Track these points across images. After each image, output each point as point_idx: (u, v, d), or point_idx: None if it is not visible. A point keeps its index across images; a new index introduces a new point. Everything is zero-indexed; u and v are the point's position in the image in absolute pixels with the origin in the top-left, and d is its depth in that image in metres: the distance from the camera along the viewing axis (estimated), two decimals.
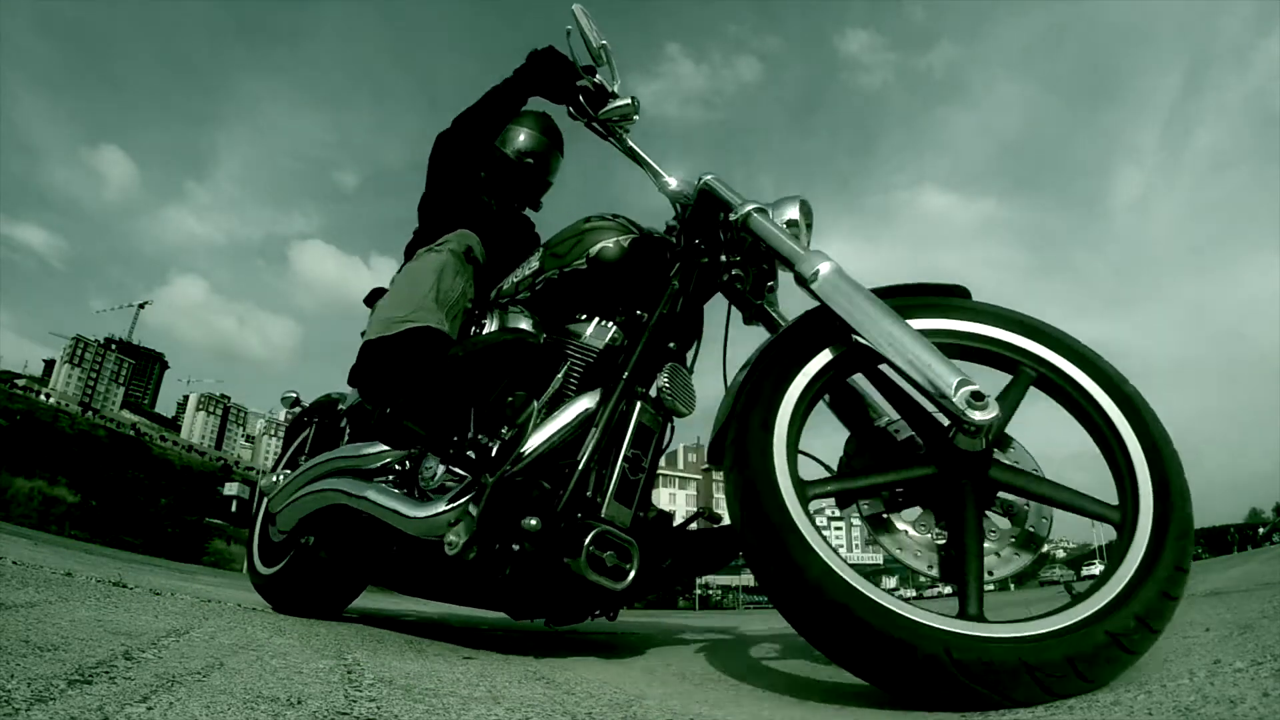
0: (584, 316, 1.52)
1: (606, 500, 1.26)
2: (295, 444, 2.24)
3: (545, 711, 0.82)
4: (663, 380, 1.36)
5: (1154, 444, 0.93)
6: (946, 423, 0.97)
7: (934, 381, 0.94)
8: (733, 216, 1.28)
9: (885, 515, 1.06)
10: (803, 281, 1.10)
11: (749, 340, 1.52)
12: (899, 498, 1.07)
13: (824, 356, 1.06)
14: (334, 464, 1.69)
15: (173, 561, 10.49)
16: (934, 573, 1.00)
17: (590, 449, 1.27)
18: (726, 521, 1.47)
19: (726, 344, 1.44)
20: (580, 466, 1.26)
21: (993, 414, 0.91)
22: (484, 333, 1.58)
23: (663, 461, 1.50)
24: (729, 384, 1.16)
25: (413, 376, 1.44)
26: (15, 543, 3.82)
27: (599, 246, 1.49)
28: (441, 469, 1.42)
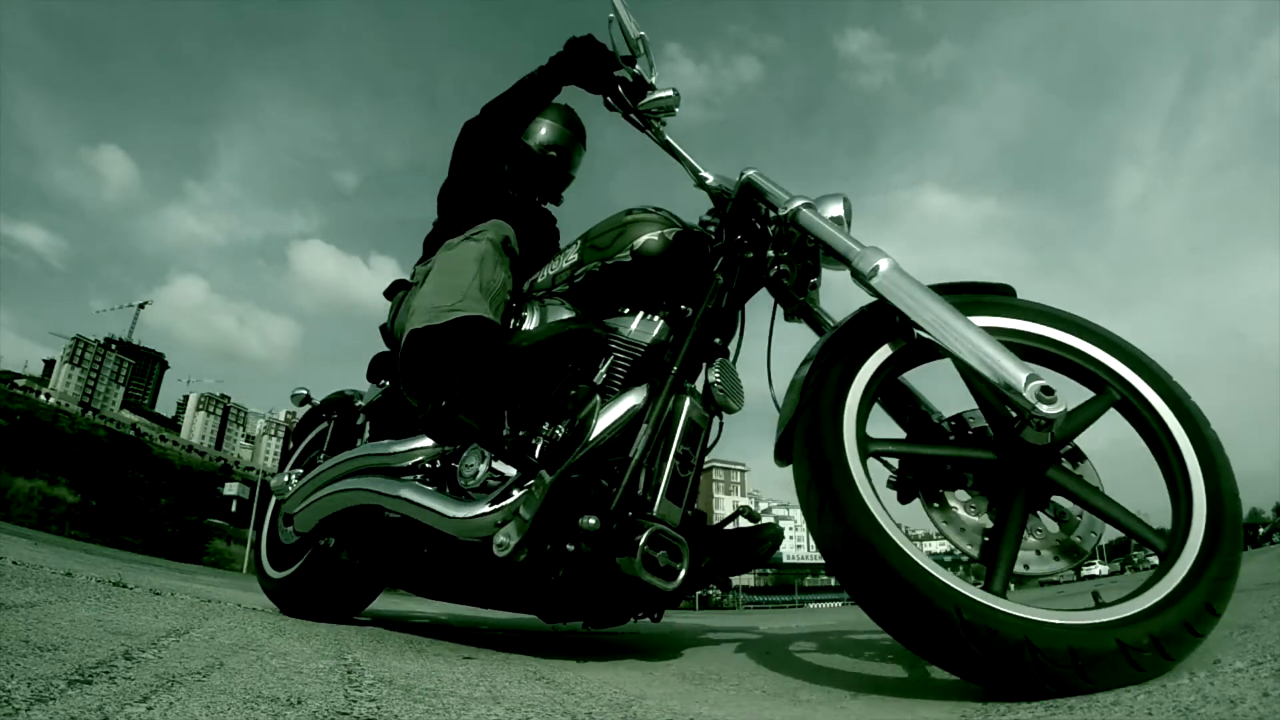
0: (627, 310, 1.49)
1: (658, 498, 1.24)
2: (306, 442, 2.18)
3: (545, 711, 0.82)
4: (714, 375, 1.35)
5: (1218, 490, 0.93)
6: (1011, 416, 0.98)
7: (1003, 376, 0.94)
8: (781, 212, 1.27)
9: (941, 491, 1.08)
10: (860, 277, 1.10)
11: (782, 339, 1.49)
12: (953, 478, 1.08)
13: (884, 352, 1.07)
14: (359, 462, 1.64)
15: (173, 561, 10.49)
16: (974, 551, 1.02)
17: (642, 445, 1.25)
18: (765, 520, 1.45)
19: (771, 340, 1.44)
20: (633, 464, 1.23)
21: (1061, 408, 0.92)
22: (537, 324, 1.52)
23: None
24: (792, 379, 1.13)
25: (470, 368, 1.37)
26: (15, 543, 3.82)
27: (643, 239, 1.46)
28: (484, 467, 1.36)
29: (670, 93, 1.53)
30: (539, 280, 1.63)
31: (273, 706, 0.70)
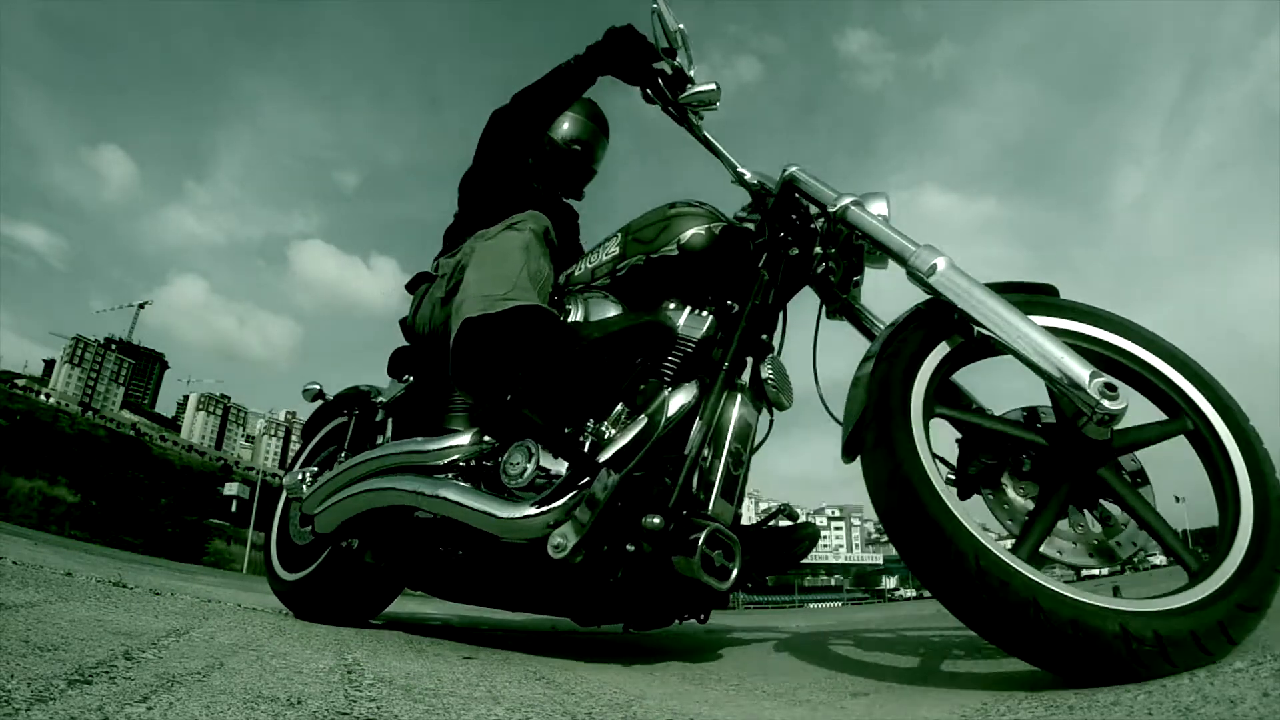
0: (674, 305, 1.45)
1: (713, 497, 1.24)
2: (319, 438, 2.10)
3: (545, 711, 0.82)
4: (767, 371, 1.34)
5: (1265, 499, 0.95)
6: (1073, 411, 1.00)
7: (1067, 373, 0.96)
8: (831, 209, 1.27)
9: (997, 478, 1.10)
10: (917, 275, 1.11)
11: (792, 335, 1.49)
12: (1009, 468, 1.11)
13: (942, 349, 1.09)
14: (388, 460, 1.57)
15: (173, 561, 10.49)
16: (1015, 529, 1.04)
17: (697, 442, 1.23)
18: (803, 519, 1.45)
19: (817, 338, 1.43)
20: (688, 461, 1.22)
21: (1123, 405, 0.94)
22: (583, 317, 1.48)
23: None
24: (855, 375, 1.13)
25: (539, 359, 1.30)
26: (15, 543, 3.82)
27: (690, 233, 1.44)
28: (531, 465, 1.31)
29: (712, 86, 1.51)
30: (576, 273, 1.60)
31: (273, 706, 0.70)
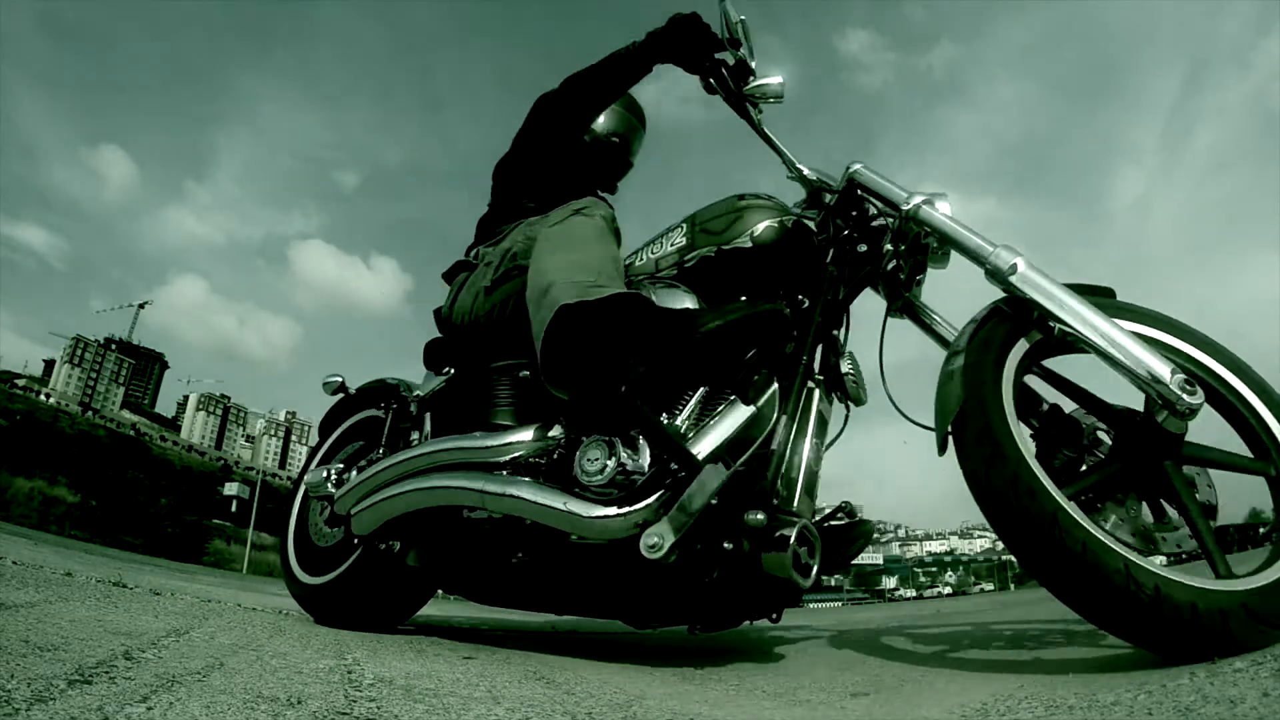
0: (744, 298, 1.43)
1: (798, 493, 1.23)
2: (339, 434, 2.00)
3: (545, 711, 0.82)
4: (847, 366, 1.34)
5: None
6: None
7: (1148, 369, 0.99)
8: (904, 207, 1.28)
9: (1078, 465, 1.13)
10: (997, 274, 1.13)
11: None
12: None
13: (1022, 346, 1.12)
14: (441, 457, 1.48)
15: (173, 561, 10.50)
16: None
17: (784, 438, 1.23)
18: (861, 515, 1.44)
19: (884, 335, 1.44)
20: (775, 457, 1.21)
21: (1201, 399, 0.98)
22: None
23: None
24: (945, 370, 1.14)
25: (656, 349, 1.21)
26: (15, 543, 3.82)
27: (763, 226, 1.42)
28: (611, 461, 1.22)
29: (779, 80, 1.50)
30: (637, 264, 1.57)
31: (273, 706, 0.70)
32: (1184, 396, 0.97)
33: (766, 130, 1.58)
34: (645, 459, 1.21)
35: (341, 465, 1.82)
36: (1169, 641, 0.86)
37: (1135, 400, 1.08)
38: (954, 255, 1.32)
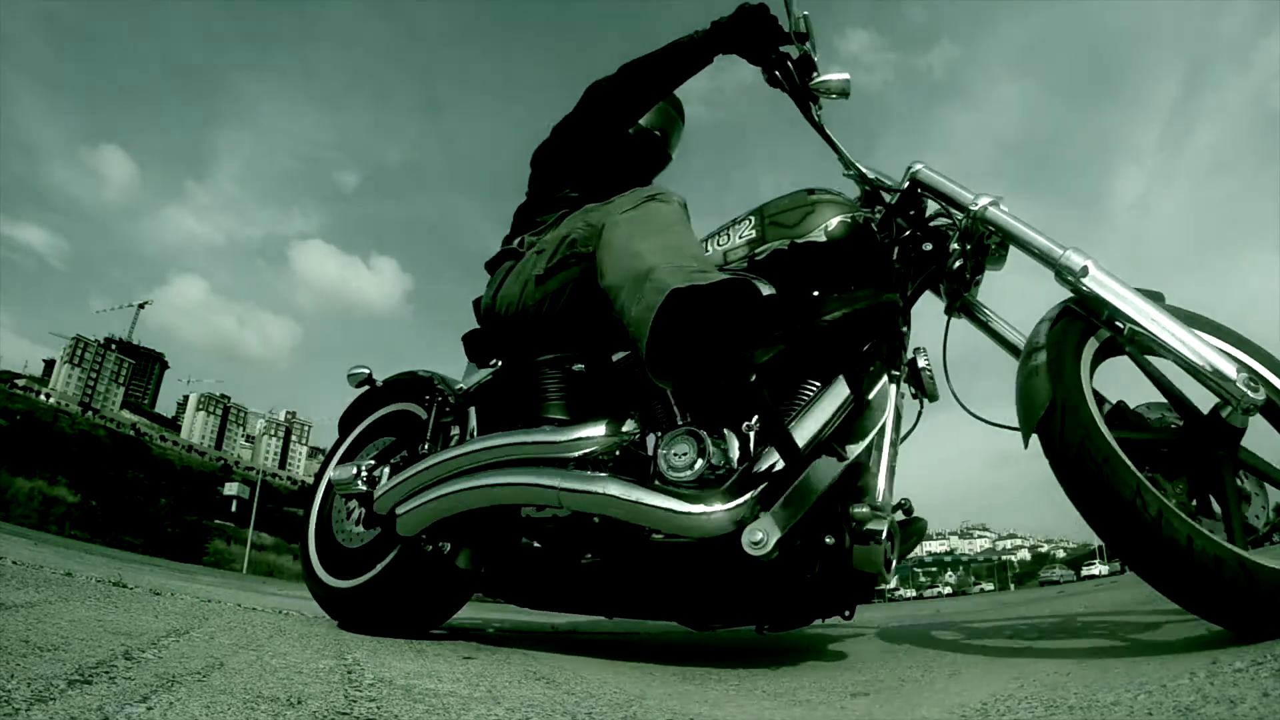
0: (817, 293, 1.41)
1: (883, 487, 1.24)
2: (363, 427, 1.92)
3: (545, 711, 0.82)
4: (924, 362, 1.34)
5: None
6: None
7: (1216, 367, 1.05)
8: (973, 208, 1.31)
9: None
10: (1069, 275, 1.17)
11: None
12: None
13: (1092, 345, 1.16)
14: (503, 453, 1.41)
15: (173, 561, 10.50)
16: None
17: (873, 432, 1.23)
18: (917, 513, 1.44)
19: (947, 335, 1.45)
20: (869, 451, 1.22)
21: (1264, 396, 1.05)
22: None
23: None
24: (1027, 366, 1.15)
25: (784, 338, 1.15)
26: (15, 543, 3.82)
27: (837, 221, 1.40)
28: (700, 457, 1.17)
29: (845, 75, 1.49)
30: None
31: (273, 706, 0.70)
32: (1248, 393, 1.03)
33: (826, 127, 1.57)
34: (735, 452, 1.18)
35: (372, 461, 1.72)
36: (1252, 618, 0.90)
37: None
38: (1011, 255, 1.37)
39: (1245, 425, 1.08)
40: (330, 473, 1.83)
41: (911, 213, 1.43)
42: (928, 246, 1.41)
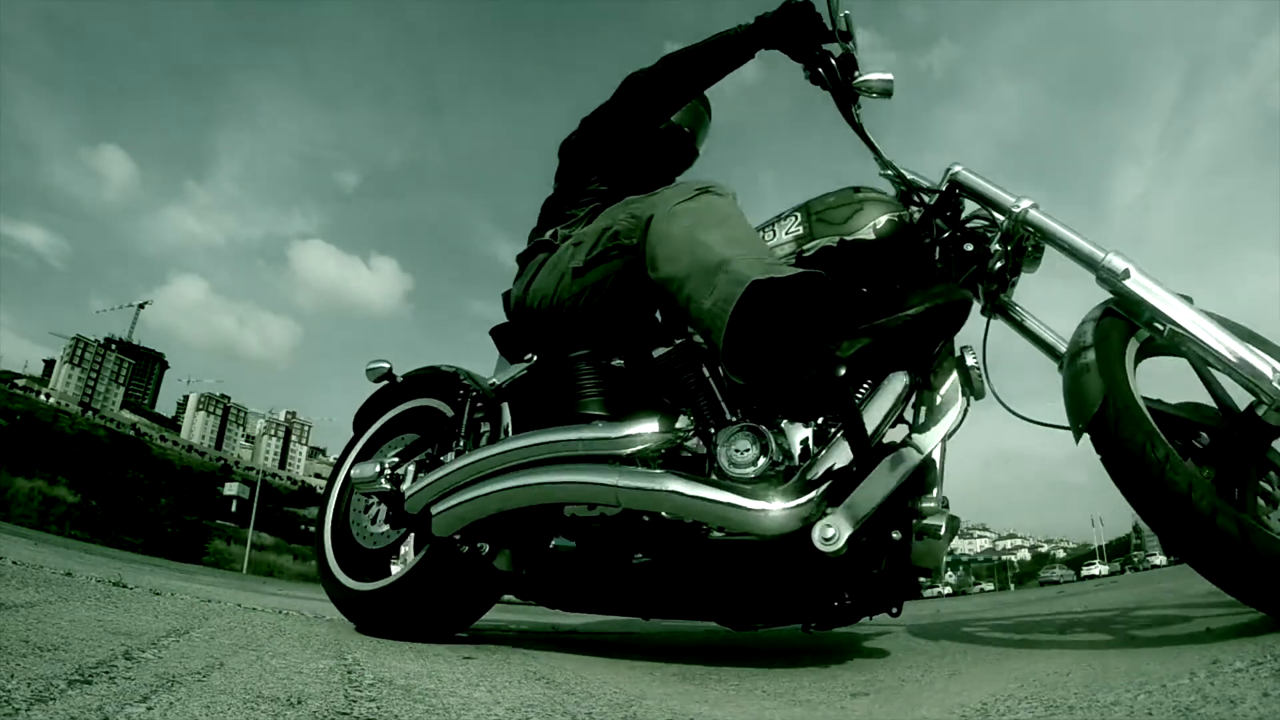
0: (865, 290, 1.42)
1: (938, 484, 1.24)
2: (380, 424, 1.85)
3: (545, 711, 0.82)
4: (971, 359, 1.34)
5: None
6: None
7: (1254, 368, 1.07)
8: (1015, 210, 1.32)
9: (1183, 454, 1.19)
10: (1110, 278, 1.18)
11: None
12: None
13: (1134, 345, 1.19)
14: (550, 450, 1.37)
15: (173, 561, 10.51)
16: None
17: (941, 429, 1.23)
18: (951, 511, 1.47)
19: (986, 336, 1.45)
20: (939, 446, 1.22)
21: None
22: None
23: None
24: (1075, 364, 1.17)
25: (869, 333, 1.15)
26: (15, 543, 3.82)
27: (885, 219, 1.40)
28: (762, 454, 1.16)
29: (889, 75, 1.49)
30: None
31: (273, 706, 0.70)
32: None
33: (864, 125, 1.57)
34: (796, 448, 1.18)
35: (396, 459, 1.65)
36: None
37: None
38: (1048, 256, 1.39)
39: (1277, 423, 1.09)
40: (348, 470, 1.77)
41: (949, 213, 1.43)
42: (969, 247, 1.41)
